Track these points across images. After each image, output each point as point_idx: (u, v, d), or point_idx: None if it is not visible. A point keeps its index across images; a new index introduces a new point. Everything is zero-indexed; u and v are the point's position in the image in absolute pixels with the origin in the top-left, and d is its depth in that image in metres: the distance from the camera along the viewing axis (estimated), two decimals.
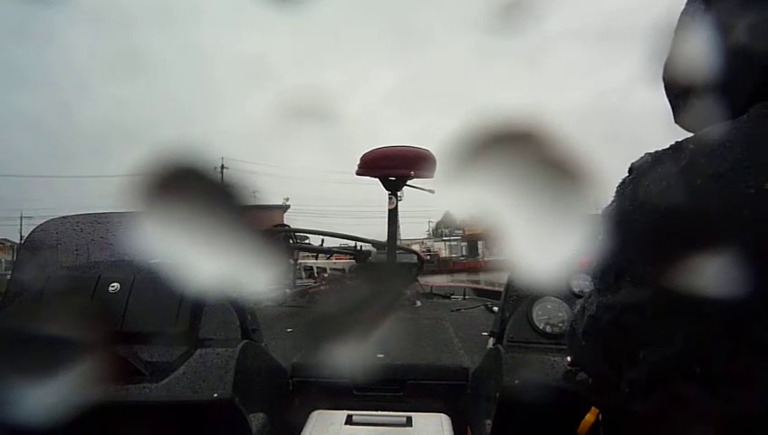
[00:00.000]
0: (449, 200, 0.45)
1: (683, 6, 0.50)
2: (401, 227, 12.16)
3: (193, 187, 0.54)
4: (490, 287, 2.30)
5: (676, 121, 0.51)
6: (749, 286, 0.33)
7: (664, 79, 0.52)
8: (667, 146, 0.42)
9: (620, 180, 0.44)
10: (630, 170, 0.44)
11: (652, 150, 0.43)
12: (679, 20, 0.49)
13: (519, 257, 0.44)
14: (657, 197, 0.39)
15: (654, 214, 0.39)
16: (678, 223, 0.37)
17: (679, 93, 0.48)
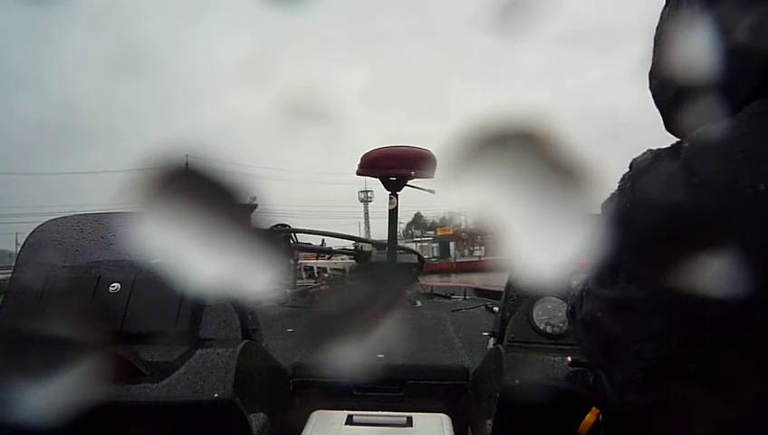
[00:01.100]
0: (450, 200, 0.45)
1: (665, 11, 0.50)
2: (371, 228, 11.66)
3: (193, 186, 0.55)
4: (489, 287, 2.30)
5: (667, 129, 0.51)
6: (741, 288, 0.33)
7: (653, 86, 0.52)
8: (669, 145, 0.42)
9: (621, 175, 0.44)
10: (630, 166, 0.44)
11: (654, 148, 0.43)
12: (667, 25, 0.49)
13: (519, 257, 0.44)
14: (652, 195, 0.39)
15: (648, 212, 0.39)
16: (672, 222, 0.37)
17: (670, 100, 0.48)
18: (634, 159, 0.43)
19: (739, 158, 0.35)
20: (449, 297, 2.17)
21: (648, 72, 0.52)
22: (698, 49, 0.42)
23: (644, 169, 0.41)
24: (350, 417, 0.99)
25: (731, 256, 0.33)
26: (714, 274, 0.33)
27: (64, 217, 1.11)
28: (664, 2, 0.50)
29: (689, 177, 0.37)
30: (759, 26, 0.39)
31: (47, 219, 1.11)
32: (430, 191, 1.86)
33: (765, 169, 0.34)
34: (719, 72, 0.40)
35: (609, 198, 0.44)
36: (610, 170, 0.45)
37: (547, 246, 0.44)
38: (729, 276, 0.33)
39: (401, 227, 32.10)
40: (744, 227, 0.34)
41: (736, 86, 0.40)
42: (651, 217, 0.39)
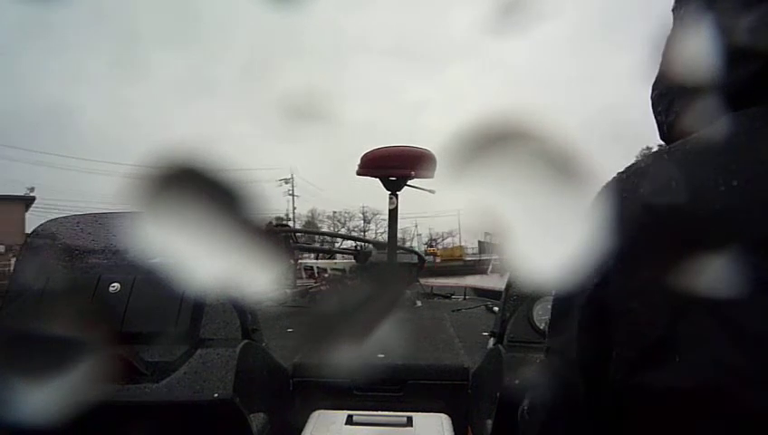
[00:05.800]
0: (450, 200, 0.45)
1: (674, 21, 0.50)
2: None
3: (193, 186, 0.54)
4: (490, 287, 2.31)
5: (662, 138, 0.52)
6: (710, 279, 0.34)
7: (653, 96, 0.52)
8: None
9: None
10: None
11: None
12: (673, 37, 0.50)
13: (519, 257, 0.44)
14: (643, 198, 0.41)
15: (605, 214, 0.40)
16: (647, 221, 0.39)
17: (667, 107, 0.49)
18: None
19: (719, 162, 0.37)
20: (449, 297, 2.18)
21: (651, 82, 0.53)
22: (696, 54, 0.43)
23: (628, 172, 0.43)
24: (350, 417, 1.00)
25: (703, 252, 0.34)
26: (687, 268, 0.34)
27: (65, 217, 1.12)
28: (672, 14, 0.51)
29: (666, 178, 0.38)
30: (756, 29, 0.39)
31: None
32: (430, 191, 1.86)
33: (738, 168, 0.35)
34: (716, 79, 0.41)
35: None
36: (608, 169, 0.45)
37: (547, 246, 0.44)
38: (701, 270, 0.34)
39: None
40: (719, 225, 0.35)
41: (733, 92, 0.40)
42: (607, 217, 0.40)
